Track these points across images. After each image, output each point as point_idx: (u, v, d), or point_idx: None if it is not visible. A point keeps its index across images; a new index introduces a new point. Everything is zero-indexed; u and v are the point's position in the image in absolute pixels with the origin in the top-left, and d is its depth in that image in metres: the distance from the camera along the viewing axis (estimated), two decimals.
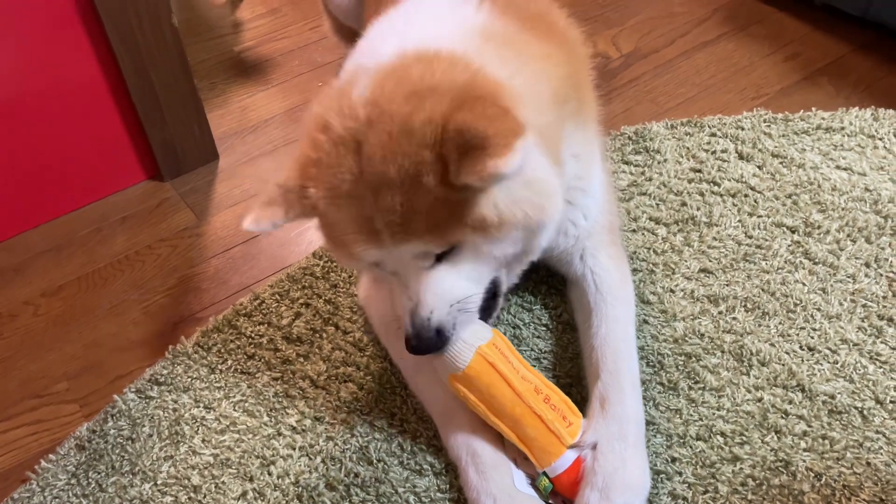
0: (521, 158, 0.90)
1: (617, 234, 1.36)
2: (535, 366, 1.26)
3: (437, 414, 1.19)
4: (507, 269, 1.15)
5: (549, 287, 1.40)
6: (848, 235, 1.42)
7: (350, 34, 1.84)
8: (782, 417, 1.16)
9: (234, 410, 1.27)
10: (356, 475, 1.16)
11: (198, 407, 1.28)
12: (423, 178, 0.95)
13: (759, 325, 1.29)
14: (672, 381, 1.23)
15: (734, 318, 1.30)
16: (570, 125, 1.18)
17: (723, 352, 1.25)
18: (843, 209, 1.46)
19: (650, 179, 1.59)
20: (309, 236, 1.62)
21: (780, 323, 1.29)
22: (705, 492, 1.09)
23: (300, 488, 1.15)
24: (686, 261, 1.41)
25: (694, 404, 1.19)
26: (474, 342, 1.11)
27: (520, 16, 1.15)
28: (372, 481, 1.15)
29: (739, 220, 1.48)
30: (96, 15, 1.54)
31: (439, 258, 1.05)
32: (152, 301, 1.52)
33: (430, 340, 1.06)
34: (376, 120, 0.97)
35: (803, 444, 1.12)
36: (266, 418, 1.26)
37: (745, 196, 1.52)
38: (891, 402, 1.16)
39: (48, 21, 1.53)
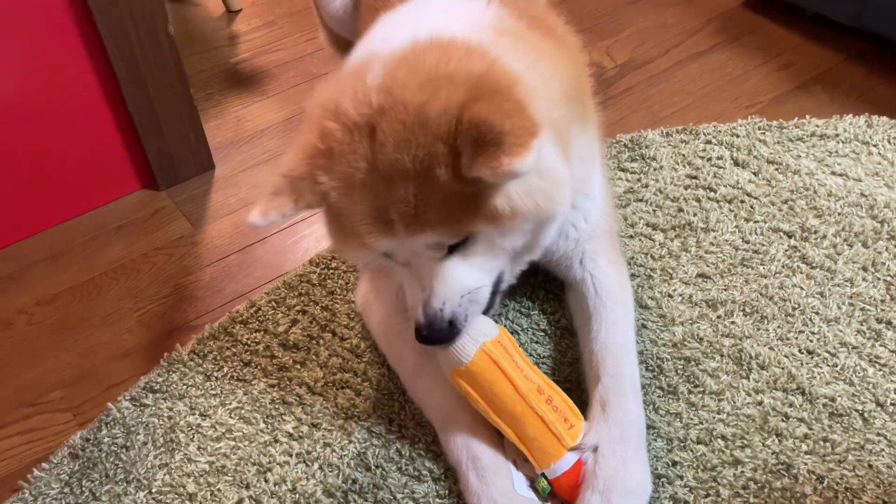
0: (535, 157, 0.90)
1: (616, 239, 1.36)
2: None
3: (435, 418, 1.18)
4: (511, 266, 1.15)
5: (547, 292, 1.40)
6: (845, 240, 1.42)
7: (345, 45, 1.84)
8: (783, 420, 1.15)
9: (231, 418, 1.26)
10: (354, 481, 1.14)
11: (193, 414, 1.27)
12: (437, 171, 0.95)
13: (758, 329, 1.29)
14: (672, 385, 1.22)
15: (733, 323, 1.30)
16: (576, 126, 1.18)
17: (722, 356, 1.25)
18: (839, 214, 1.47)
19: (646, 186, 1.60)
20: (305, 244, 1.61)
21: (778, 327, 1.29)
22: (707, 495, 1.08)
23: (297, 495, 1.14)
24: (683, 266, 1.41)
25: (694, 408, 1.19)
26: (479, 338, 1.10)
27: (525, 16, 1.15)
28: (370, 487, 1.13)
29: (736, 226, 1.48)
30: (93, 24, 1.55)
31: (452, 249, 1.05)
32: (147, 309, 1.51)
33: (441, 331, 1.06)
34: (389, 108, 0.95)
35: (804, 447, 1.12)
36: (263, 425, 1.24)
37: (742, 202, 1.53)
38: (891, 404, 1.16)
39: (44, 30, 1.53)
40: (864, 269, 1.36)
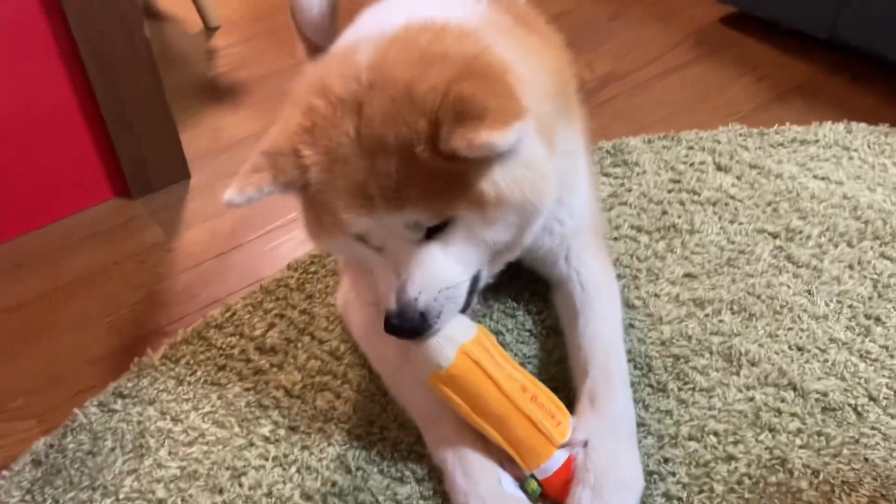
0: (515, 139, 0.89)
1: (601, 238, 1.34)
2: None
3: (419, 418, 1.13)
4: (489, 264, 1.12)
5: (531, 293, 1.37)
6: (829, 240, 1.41)
7: None
8: (775, 416, 1.12)
9: (203, 422, 1.20)
10: (333, 484, 1.09)
11: (164, 419, 1.21)
12: (417, 148, 0.93)
13: (747, 327, 1.26)
14: (661, 382, 1.19)
15: (721, 321, 1.28)
16: (560, 121, 1.17)
17: (711, 353, 1.22)
18: (822, 215, 1.46)
19: (630, 190, 1.58)
20: (283, 250, 1.57)
21: (767, 324, 1.26)
22: (700, 491, 1.04)
23: (273, 499, 1.08)
24: (669, 266, 1.39)
25: (684, 405, 1.15)
26: (458, 339, 1.06)
27: (511, 12, 1.15)
28: (350, 490, 1.08)
29: (721, 227, 1.46)
30: (65, 24, 1.51)
31: (431, 234, 1.02)
32: (117, 315, 1.46)
33: (412, 321, 1.01)
34: (380, 84, 0.95)
35: (798, 442, 1.09)
36: (237, 429, 1.19)
37: (726, 204, 1.52)
38: (884, 398, 1.13)
39: (15, 30, 1.50)
40: (850, 267, 1.35)
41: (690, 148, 1.68)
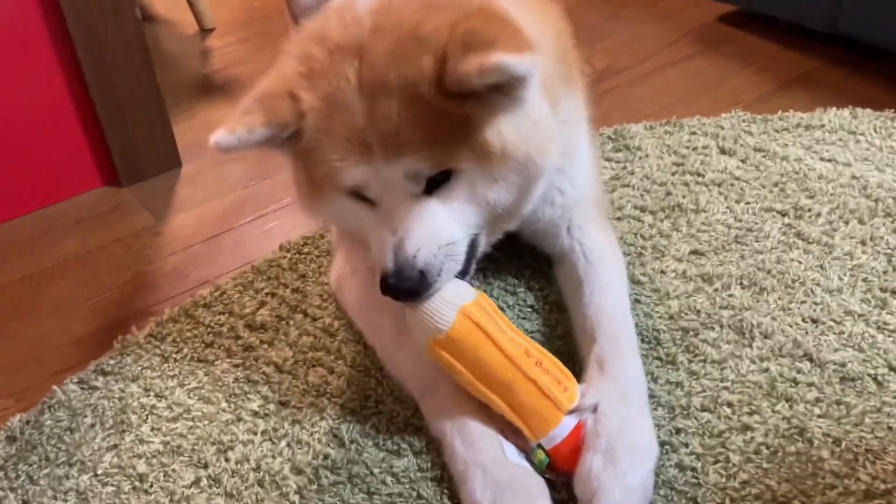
0: (529, 67, 0.86)
1: (604, 210, 1.29)
2: None
3: (416, 389, 1.07)
4: (488, 231, 1.07)
5: (533, 271, 1.32)
6: (840, 217, 1.36)
7: None
8: (791, 386, 1.07)
9: (189, 398, 1.14)
10: (326, 457, 1.03)
11: (147, 395, 1.15)
12: (421, 88, 0.90)
13: (758, 301, 1.21)
14: (670, 355, 1.13)
15: (730, 295, 1.23)
16: (562, 88, 1.14)
17: (721, 326, 1.17)
18: (831, 194, 1.42)
19: (632, 173, 1.54)
20: (275, 234, 1.52)
21: (779, 298, 1.21)
22: (716, 461, 0.98)
23: (262, 473, 1.02)
24: (675, 244, 1.34)
25: (695, 376, 1.10)
26: (457, 301, 1.00)
27: None
28: (344, 463, 1.02)
29: (727, 207, 1.42)
30: (57, 9, 1.48)
31: (430, 189, 0.97)
32: (102, 297, 1.40)
33: (411, 280, 0.95)
34: (383, 26, 0.93)
35: (817, 411, 1.03)
36: (224, 404, 1.13)
37: (731, 185, 1.48)
38: None
39: (5, 15, 1.46)
40: (863, 242, 1.30)
41: (693, 133, 1.65)
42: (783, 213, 1.39)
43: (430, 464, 1.01)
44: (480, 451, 0.96)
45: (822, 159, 1.53)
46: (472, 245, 1.04)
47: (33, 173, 1.63)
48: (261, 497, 0.98)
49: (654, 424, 1.02)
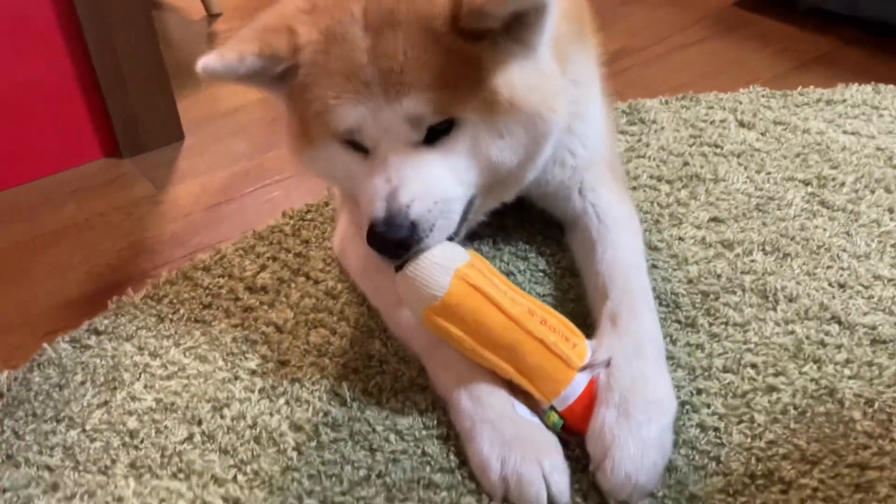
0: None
1: (618, 172, 1.24)
2: None
3: (421, 348, 1.02)
4: (485, 196, 1.02)
5: (544, 237, 1.27)
6: (865, 186, 1.31)
7: None
8: (819, 348, 1.01)
9: (185, 357, 1.09)
10: (326, 414, 0.97)
11: (141, 354, 1.10)
12: (434, 22, 0.86)
13: (781, 266, 1.16)
14: (689, 317, 1.08)
15: (752, 261, 1.17)
16: (573, 46, 1.10)
17: (744, 290, 1.11)
18: (856, 165, 1.37)
19: (647, 145, 1.49)
20: (277, 203, 1.47)
21: (803, 263, 1.16)
22: (740, 422, 0.92)
23: (258, 430, 0.96)
24: (693, 212, 1.29)
25: (717, 339, 1.04)
26: (450, 265, 0.94)
27: None
28: (345, 420, 0.96)
29: (748, 177, 1.37)
30: None
31: (431, 139, 0.92)
32: (100, 262, 1.36)
33: (401, 230, 0.89)
34: None
35: (847, 372, 0.97)
36: (221, 363, 1.08)
37: (751, 156, 1.42)
38: None
39: None
40: (890, 210, 1.25)
41: (710, 107, 1.60)
42: (806, 183, 1.34)
43: (435, 422, 0.95)
44: (488, 406, 0.90)
45: (844, 132, 1.47)
46: (466, 207, 0.99)
47: (33, 143, 1.59)
48: (257, 453, 0.93)
49: (674, 386, 0.96)
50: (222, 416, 0.99)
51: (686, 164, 1.42)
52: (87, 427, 0.99)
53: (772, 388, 0.96)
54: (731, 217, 1.27)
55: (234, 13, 2.45)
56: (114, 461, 0.94)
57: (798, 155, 1.41)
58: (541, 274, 1.20)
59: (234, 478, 0.90)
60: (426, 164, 0.92)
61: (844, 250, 1.17)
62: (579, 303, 1.12)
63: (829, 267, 1.15)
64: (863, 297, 1.09)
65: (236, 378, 1.05)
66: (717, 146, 1.47)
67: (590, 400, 0.90)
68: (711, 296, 1.11)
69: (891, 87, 1.61)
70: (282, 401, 1.00)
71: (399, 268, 0.95)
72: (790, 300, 1.09)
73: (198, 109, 1.85)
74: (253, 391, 1.02)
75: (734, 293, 1.11)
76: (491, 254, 1.23)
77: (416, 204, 0.91)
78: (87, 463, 0.94)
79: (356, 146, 0.97)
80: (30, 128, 1.57)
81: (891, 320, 1.04)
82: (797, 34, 1.96)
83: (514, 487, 0.83)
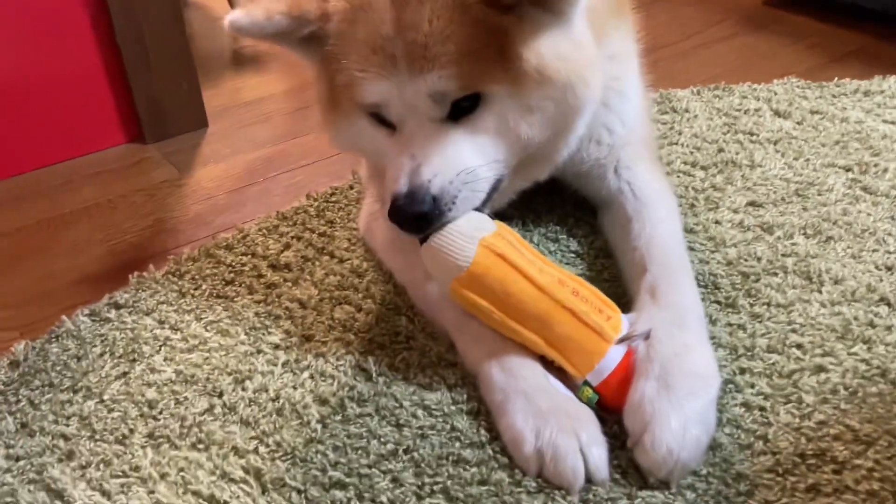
0: None
1: (654, 151, 1.21)
2: None
3: (450, 321, 0.98)
4: (515, 174, 0.99)
5: (576, 220, 1.23)
6: None
7: None
8: (869, 329, 0.96)
9: (206, 331, 1.06)
10: (352, 388, 0.94)
11: (162, 328, 1.07)
12: None
13: (825, 249, 1.11)
14: (730, 298, 1.03)
15: (794, 244, 1.13)
16: (611, 22, 1.07)
17: (786, 272, 1.07)
18: None
19: (680, 133, 1.46)
20: (302, 185, 1.44)
21: (847, 247, 1.11)
22: (787, 402, 0.88)
23: (281, 402, 0.93)
24: (730, 196, 1.25)
25: (759, 319, 1.00)
26: (475, 234, 0.90)
27: None
28: (371, 395, 0.93)
29: (785, 163, 1.33)
30: None
31: (456, 116, 0.90)
32: (121, 240, 1.33)
33: (423, 204, 0.87)
34: None
35: None
36: (244, 337, 1.04)
37: (788, 143, 1.38)
38: None
39: None
40: None
41: (744, 97, 1.56)
42: (847, 169, 1.29)
43: (465, 397, 0.91)
44: (521, 378, 0.86)
45: (884, 121, 1.43)
46: (493, 186, 0.96)
47: (57, 126, 1.57)
48: (279, 425, 0.89)
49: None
50: (244, 389, 0.95)
51: (721, 150, 1.38)
52: (105, 397, 0.96)
53: (820, 369, 0.91)
54: (769, 202, 1.23)
55: None
56: (131, 431, 0.91)
57: (837, 142, 1.37)
58: (573, 255, 1.16)
59: (256, 449, 0.87)
60: (451, 141, 0.90)
61: (890, 234, 1.13)
62: (613, 283, 1.08)
63: (874, 250, 1.10)
64: None
65: (259, 352, 1.01)
66: (752, 133, 1.43)
67: (626, 374, 0.86)
68: (752, 277, 1.06)
69: None
70: (306, 374, 0.96)
71: (424, 240, 0.92)
72: (835, 282, 1.04)
73: (222, 98, 1.83)
74: (276, 365, 0.98)
75: (776, 275, 1.07)
76: (521, 235, 1.19)
77: (437, 178, 0.89)
78: (103, 432, 0.91)
79: (383, 121, 0.94)
80: (54, 111, 1.56)
81: None
82: (829, 30, 1.92)
83: (549, 460, 0.79)
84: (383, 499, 0.80)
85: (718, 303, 1.03)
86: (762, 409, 0.87)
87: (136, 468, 0.86)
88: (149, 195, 1.45)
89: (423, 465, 0.84)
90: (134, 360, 1.01)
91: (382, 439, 0.87)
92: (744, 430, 0.85)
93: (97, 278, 1.23)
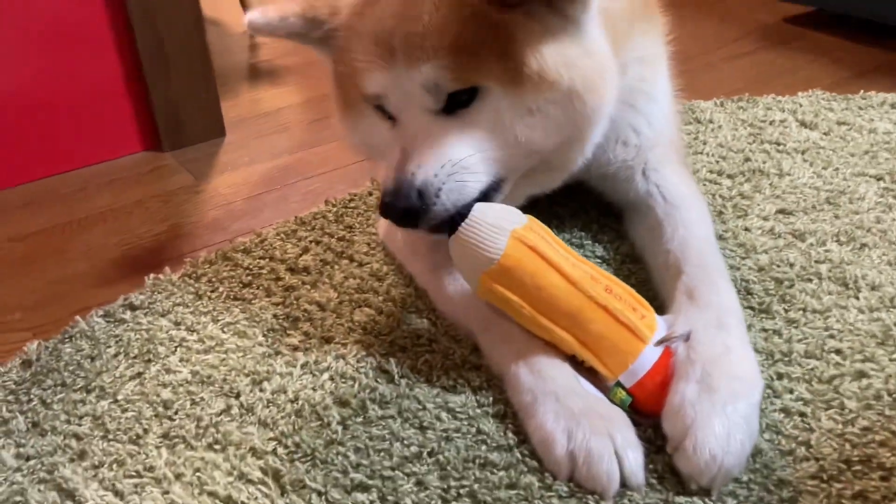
0: None
1: (682, 155, 1.18)
2: None
3: (475, 323, 0.95)
4: (523, 181, 0.98)
5: (601, 226, 1.20)
6: None
7: None
8: None
9: (223, 332, 1.03)
10: (373, 390, 0.90)
11: (178, 329, 1.04)
12: None
13: (859, 256, 1.08)
14: (763, 303, 1.00)
15: (827, 251, 1.09)
16: (639, 25, 1.06)
17: (820, 278, 1.04)
18: None
19: (705, 142, 1.43)
20: (320, 193, 1.42)
21: (883, 254, 1.08)
22: (829, 407, 0.84)
23: (301, 403, 0.89)
24: (759, 204, 1.22)
25: (795, 324, 0.96)
26: (506, 225, 0.87)
27: None
28: (393, 397, 0.89)
29: (814, 172, 1.30)
30: None
31: (451, 107, 0.88)
32: (136, 245, 1.31)
33: (407, 199, 0.86)
34: None
35: None
36: (261, 338, 1.01)
37: (816, 153, 1.36)
38: None
39: None
40: None
41: (769, 109, 1.54)
42: (878, 178, 1.27)
43: (490, 399, 0.88)
44: (551, 379, 0.83)
45: None
46: (494, 186, 0.93)
47: (76, 133, 1.56)
48: (298, 426, 0.86)
49: None
50: (262, 390, 0.92)
51: (747, 159, 1.35)
52: (119, 397, 0.93)
53: (861, 374, 0.88)
54: (799, 209, 1.20)
55: None
56: (146, 431, 0.88)
57: (867, 152, 1.34)
58: (598, 260, 1.13)
59: (274, 450, 0.83)
60: (440, 133, 0.88)
61: None
62: (642, 288, 1.03)
63: None
64: None
65: (277, 353, 0.98)
66: (778, 143, 1.40)
67: (662, 376, 0.82)
68: (786, 283, 1.03)
69: None
70: (325, 376, 0.93)
71: (452, 232, 0.89)
72: (872, 288, 1.01)
73: (239, 109, 1.83)
74: (295, 366, 0.95)
75: (810, 281, 1.03)
76: None
77: (420, 171, 0.87)
78: (116, 432, 0.88)
79: (387, 114, 0.94)
80: (74, 118, 1.55)
81: None
82: (852, 46, 1.91)
83: (582, 463, 0.75)
84: (407, 501, 0.76)
85: (752, 308, 1.00)
86: (802, 414, 0.83)
87: (151, 468, 0.82)
88: (165, 201, 1.44)
89: (448, 468, 0.80)
90: (149, 361, 0.99)
91: (406, 441, 0.83)
92: (784, 436, 0.81)
93: (112, 281, 1.20)
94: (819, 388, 0.87)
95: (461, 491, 0.77)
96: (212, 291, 1.12)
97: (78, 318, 1.07)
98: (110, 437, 0.87)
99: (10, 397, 0.95)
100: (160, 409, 0.91)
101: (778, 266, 1.07)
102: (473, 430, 0.84)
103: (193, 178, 1.52)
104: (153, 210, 1.41)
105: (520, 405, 0.83)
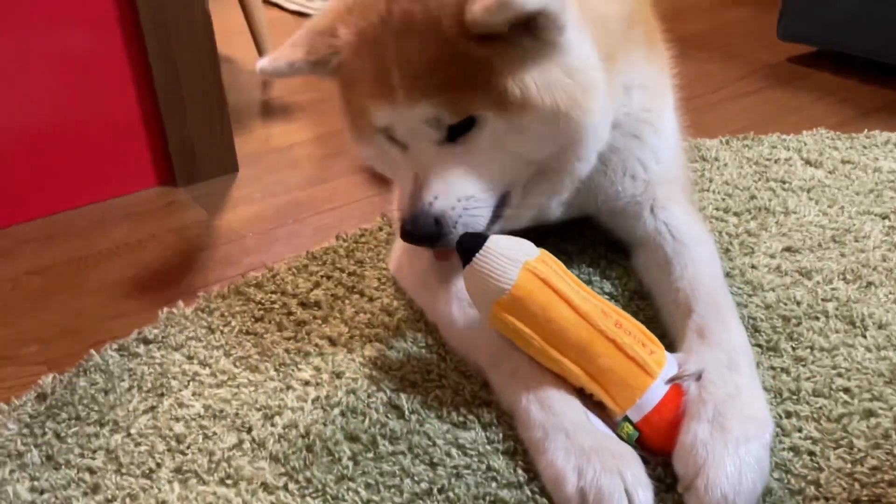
0: (546, 4, 0.84)
1: (689, 191, 1.20)
2: None
3: (485, 358, 0.96)
4: (528, 192, 1.02)
5: (608, 262, 1.22)
6: None
7: None
8: None
9: (235, 367, 1.04)
10: (383, 426, 0.91)
11: (191, 363, 1.06)
12: (444, 22, 0.88)
13: (866, 294, 1.09)
14: (771, 341, 1.01)
15: (834, 289, 1.11)
16: (639, 51, 1.08)
17: (827, 316, 1.05)
18: None
19: (711, 180, 1.45)
20: (330, 228, 1.44)
21: (889, 292, 1.09)
22: (837, 446, 0.84)
23: (312, 438, 0.90)
24: (765, 242, 1.24)
25: (803, 363, 0.97)
26: (519, 257, 0.90)
27: None
28: (403, 433, 0.90)
29: (820, 210, 1.32)
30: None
31: (454, 136, 0.93)
32: (150, 278, 1.33)
33: (427, 227, 0.93)
34: None
35: None
36: (273, 373, 1.03)
37: (822, 191, 1.37)
38: None
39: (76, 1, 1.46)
40: None
41: (774, 147, 1.56)
42: (883, 216, 1.28)
43: (500, 436, 0.89)
44: (561, 414, 0.84)
45: None
46: (501, 202, 0.99)
47: (91, 168, 1.59)
48: (310, 461, 0.87)
49: None
50: (273, 425, 0.93)
51: (753, 197, 1.37)
52: (132, 431, 0.94)
53: (870, 413, 0.88)
54: (805, 247, 1.21)
55: None
56: (158, 465, 0.88)
57: (871, 191, 1.36)
58: (607, 296, 1.14)
59: (285, 486, 0.84)
60: (449, 162, 0.94)
61: None
62: (650, 324, 1.04)
63: None
64: None
65: (288, 388, 0.99)
66: (783, 182, 1.42)
67: (670, 412, 0.83)
68: (793, 321, 1.04)
69: None
70: (336, 411, 0.94)
71: (466, 262, 0.91)
72: (879, 327, 1.02)
73: (252, 145, 1.85)
74: (306, 401, 0.96)
75: (817, 319, 1.04)
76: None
77: (438, 202, 0.94)
78: (130, 466, 0.89)
79: (397, 141, 0.99)
80: (90, 153, 1.58)
81: None
82: (857, 86, 1.93)
83: (592, 501, 0.75)
84: None
85: (760, 346, 1.01)
86: (811, 453, 0.84)
87: (163, 503, 0.83)
88: (178, 235, 1.46)
89: None
90: (162, 395, 1.00)
91: (416, 478, 0.84)
92: (794, 475, 0.81)
93: (126, 314, 1.22)
94: (828, 426, 0.87)
95: None
96: (224, 325, 1.13)
97: (92, 351, 1.09)
98: (123, 471, 0.88)
99: (25, 430, 0.96)
100: (173, 443, 0.91)
101: (785, 304, 1.08)
102: (483, 466, 0.85)
103: (206, 213, 1.54)
104: (167, 244, 1.43)
105: (530, 441, 0.84)
